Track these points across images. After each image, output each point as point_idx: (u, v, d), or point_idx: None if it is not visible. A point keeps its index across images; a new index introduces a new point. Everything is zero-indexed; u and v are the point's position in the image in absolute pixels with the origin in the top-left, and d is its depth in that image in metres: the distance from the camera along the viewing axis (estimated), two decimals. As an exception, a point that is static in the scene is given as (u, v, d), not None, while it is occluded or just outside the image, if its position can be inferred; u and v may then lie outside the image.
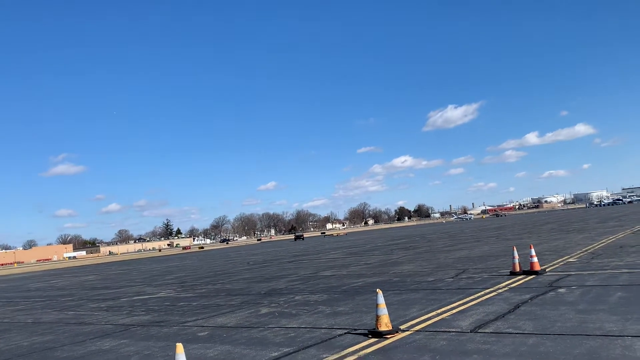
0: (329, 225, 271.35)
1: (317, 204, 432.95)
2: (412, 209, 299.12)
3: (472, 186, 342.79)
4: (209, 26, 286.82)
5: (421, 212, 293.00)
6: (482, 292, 11.46)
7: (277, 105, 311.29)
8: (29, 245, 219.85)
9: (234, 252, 70.10)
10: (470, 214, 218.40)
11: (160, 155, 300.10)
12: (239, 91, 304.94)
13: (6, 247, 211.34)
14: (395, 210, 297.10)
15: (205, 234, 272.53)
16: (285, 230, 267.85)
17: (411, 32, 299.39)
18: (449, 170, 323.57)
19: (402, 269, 19.20)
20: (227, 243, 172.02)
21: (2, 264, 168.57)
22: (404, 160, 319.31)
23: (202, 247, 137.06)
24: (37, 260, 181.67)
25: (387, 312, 8.49)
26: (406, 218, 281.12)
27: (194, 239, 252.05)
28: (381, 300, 8.51)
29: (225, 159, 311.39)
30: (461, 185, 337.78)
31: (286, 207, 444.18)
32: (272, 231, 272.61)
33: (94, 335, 11.34)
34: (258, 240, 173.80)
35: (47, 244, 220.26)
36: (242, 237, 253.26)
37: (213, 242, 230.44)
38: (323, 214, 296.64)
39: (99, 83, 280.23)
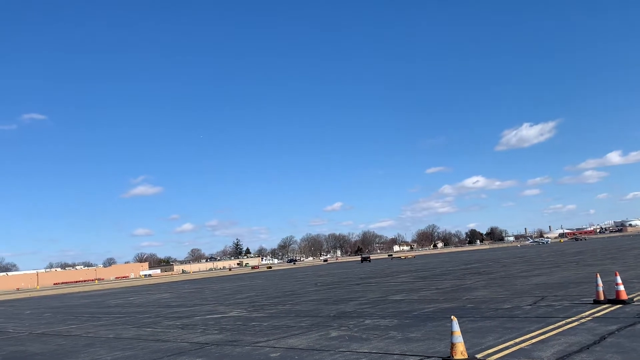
0: (395, 248, 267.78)
1: (383, 225, 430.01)
2: (484, 232, 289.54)
3: (548, 208, 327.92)
4: (276, 42, 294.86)
5: (494, 235, 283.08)
6: (564, 322, 10.87)
7: (343, 126, 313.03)
8: (109, 263, 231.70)
9: (301, 272, 70.53)
10: (547, 237, 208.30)
11: (231, 177, 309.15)
12: (305, 113, 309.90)
13: (88, 265, 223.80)
14: (466, 233, 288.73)
15: (273, 253, 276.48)
16: (351, 252, 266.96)
17: (484, 48, 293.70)
18: (524, 191, 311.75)
19: (476, 295, 18.57)
20: (294, 263, 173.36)
21: (85, 281, 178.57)
22: (475, 181, 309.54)
23: (270, 267, 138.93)
24: (116, 278, 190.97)
25: (462, 340, 8.24)
26: (478, 241, 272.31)
27: (262, 258, 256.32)
28: (456, 327, 8.28)
29: (292, 180, 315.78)
30: (537, 207, 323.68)
31: (352, 228, 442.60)
32: (338, 252, 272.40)
33: (171, 353, 11.73)
34: (324, 261, 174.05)
35: (125, 262, 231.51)
36: (309, 258, 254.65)
37: (280, 262, 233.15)
38: (390, 235, 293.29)
39: (173, 110, 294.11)
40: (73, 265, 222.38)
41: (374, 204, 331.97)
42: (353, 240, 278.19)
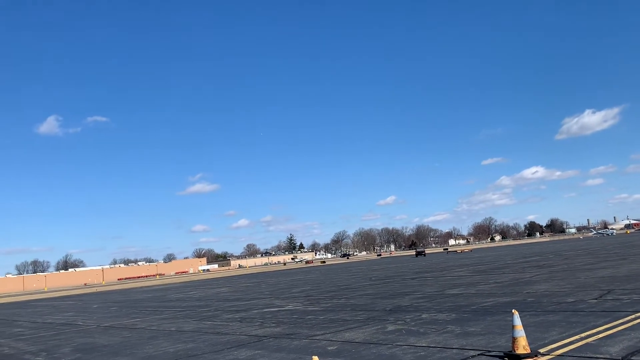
0: (451, 241, 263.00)
1: (438, 219, 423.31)
2: (544, 224, 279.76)
3: (613, 198, 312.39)
4: (339, 41, 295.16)
5: (554, 227, 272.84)
6: (633, 316, 10.36)
7: (397, 116, 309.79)
8: (169, 258, 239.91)
9: (355, 267, 70.56)
10: (612, 228, 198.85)
11: (285, 173, 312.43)
12: (356, 107, 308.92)
13: (149, 260, 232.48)
14: (525, 225, 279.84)
15: (326, 248, 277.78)
16: (405, 246, 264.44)
17: (540, 32, 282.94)
18: (586, 181, 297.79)
19: (537, 288, 17.99)
20: (348, 258, 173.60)
21: (147, 276, 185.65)
22: (534, 172, 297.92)
23: (324, 262, 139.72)
24: (176, 273, 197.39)
25: (524, 334, 8.01)
26: (537, 234, 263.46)
27: (315, 253, 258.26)
28: (518, 321, 8.06)
29: (345, 175, 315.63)
30: (600, 198, 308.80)
31: (406, 222, 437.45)
32: (392, 246, 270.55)
33: (231, 345, 12.02)
34: (378, 255, 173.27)
35: (184, 258, 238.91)
36: (362, 252, 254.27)
37: (334, 257, 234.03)
38: (445, 229, 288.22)
39: (228, 109, 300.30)
40: (135, 261, 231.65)
41: (429, 198, 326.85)
42: (407, 234, 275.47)
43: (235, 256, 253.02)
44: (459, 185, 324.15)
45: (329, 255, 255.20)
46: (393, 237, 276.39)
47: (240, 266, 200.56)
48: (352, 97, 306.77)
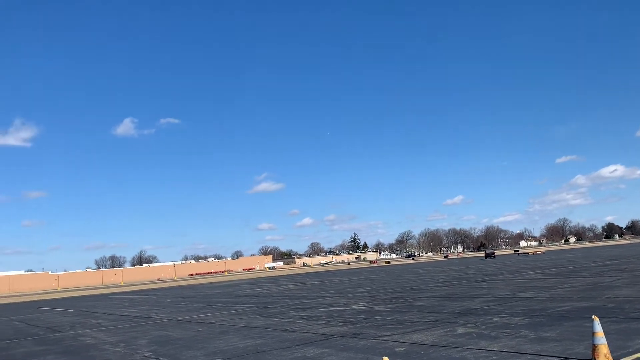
0: (522, 243, 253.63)
1: (508, 220, 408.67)
2: (623, 226, 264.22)
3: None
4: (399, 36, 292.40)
5: (635, 229, 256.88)
6: None
7: (465, 114, 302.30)
8: (237, 255, 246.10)
9: (421, 268, 69.51)
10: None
11: (349, 172, 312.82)
12: (423, 104, 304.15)
13: (218, 257, 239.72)
14: (603, 227, 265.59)
15: (391, 248, 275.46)
16: (473, 247, 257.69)
17: (618, 26, 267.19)
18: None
19: (618, 293, 17.00)
20: (413, 258, 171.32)
21: (216, 272, 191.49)
22: (613, 170, 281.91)
23: (389, 262, 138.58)
24: (243, 269, 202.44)
25: (606, 342, 7.59)
26: (617, 236, 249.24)
27: (380, 253, 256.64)
28: (598, 327, 7.65)
29: (410, 173, 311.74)
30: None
31: (474, 222, 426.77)
32: (459, 248, 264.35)
33: (298, 342, 12.16)
34: (445, 256, 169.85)
35: (251, 255, 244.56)
36: (428, 253, 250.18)
37: (398, 257, 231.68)
38: (515, 230, 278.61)
39: (293, 108, 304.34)
40: (205, 258, 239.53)
41: (498, 197, 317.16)
42: (475, 235, 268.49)
43: (300, 254, 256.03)
44: (531, 185, 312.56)
45: (394, 256, 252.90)
46: (460, 238, 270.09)
47: (304, 264, 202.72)
48: (418, 96, 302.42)
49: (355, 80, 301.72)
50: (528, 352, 8.87)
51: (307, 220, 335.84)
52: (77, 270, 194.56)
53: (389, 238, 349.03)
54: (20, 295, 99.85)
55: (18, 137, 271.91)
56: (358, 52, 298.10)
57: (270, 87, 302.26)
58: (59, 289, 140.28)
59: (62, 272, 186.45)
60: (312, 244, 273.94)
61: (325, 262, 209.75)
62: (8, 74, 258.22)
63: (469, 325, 12.55)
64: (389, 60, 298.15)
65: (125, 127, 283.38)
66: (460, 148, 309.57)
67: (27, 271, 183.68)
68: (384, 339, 11.64)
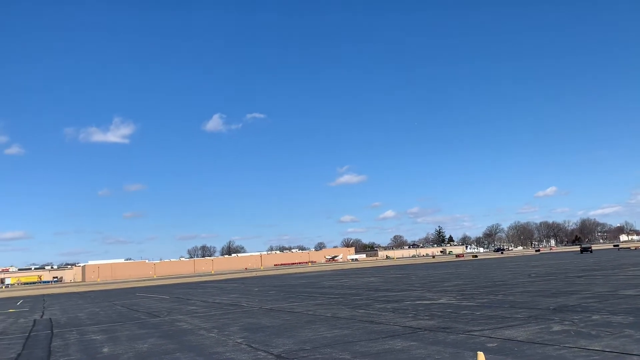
0: (622, 237, 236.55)
1: (606, 212, 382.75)
2: None
3: None
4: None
5: None
6: None
7: (558, 102, 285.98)
8: (319, 247, 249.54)
9: (511, 262, 66.78)
10: None
11: (432, 163, 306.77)
12: (510, 91, 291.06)
13: (302, 248, 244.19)
14: None
15: (478, 242, 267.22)
16: (567, 241, 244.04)
17: None
18: None
19: None
20: (502, 252, 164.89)
21: (300, 262, 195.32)
22: None
23: (476, 256, 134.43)
24: (326, 261, 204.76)
25: None
26: None
27: (466, 246, 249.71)
28: None
29: (499, 165, 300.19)
30: None
31: (568, 215, 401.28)
32: (552, 242, 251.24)
33: (385, 335, 12.13)
34: (536, 251, 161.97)
35: (334, 247, 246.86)
36: (518, 247, 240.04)
37: (486, 251, 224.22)
38: (615, 223, 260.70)
39: (375, 101, 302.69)
40: (289, 249, 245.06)
41: (595, 189, 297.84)
42: (569, 228, 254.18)
43: (382, 247, 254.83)
44: (633, 175, 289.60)
45: (481, 250, 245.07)
46: (553, 231, 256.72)
47: (387, 257, 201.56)
48: (505, 85, 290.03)
49: (436, 72, 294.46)
50: (634, 353, 8.28)
51: (389, 213, 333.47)
52: (172, 259, 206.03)
53: (476, 231, 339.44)
54: (121, 282, 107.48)
55: (118, 134, 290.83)
56: (444, 46, 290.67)
57: (352, 81, 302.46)
58: (155, 276, 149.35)
59: (158, 261, 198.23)
60: (395, 237, 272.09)
61: (412, 255, 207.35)
62: (108, 75, 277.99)
63: (566, 323, 11.92)
64: (479, 54, 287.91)
65: (214, 123, 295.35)
66: (552, 138, 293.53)
67: (127, 259, 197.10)
68: (474, 334, 11.33)
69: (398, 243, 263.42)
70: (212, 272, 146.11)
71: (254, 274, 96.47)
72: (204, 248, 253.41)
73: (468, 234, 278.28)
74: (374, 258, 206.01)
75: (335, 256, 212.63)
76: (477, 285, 27.19)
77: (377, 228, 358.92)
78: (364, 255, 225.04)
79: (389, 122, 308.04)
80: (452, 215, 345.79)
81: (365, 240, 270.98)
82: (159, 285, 69.24)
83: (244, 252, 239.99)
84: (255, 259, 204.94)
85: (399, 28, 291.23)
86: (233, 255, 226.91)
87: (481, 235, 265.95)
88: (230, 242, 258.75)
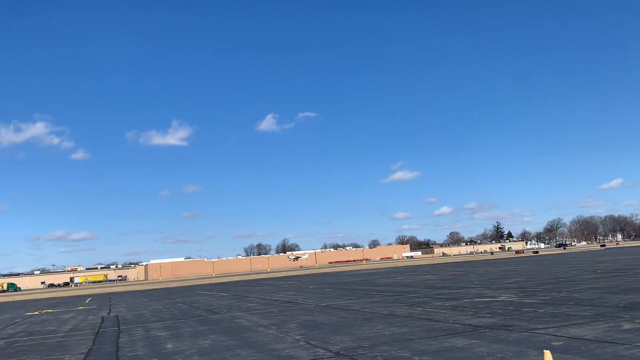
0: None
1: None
2: None
3: None
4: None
5: None
6: None
7: (621, 89, 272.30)
8: (373, 244, 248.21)
9: (574, 257, 64.16)
10: None
11: (489, 158, 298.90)
12: (569, 83, 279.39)
13: (356, 245, 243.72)
14: None
15: (538, 237, 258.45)
16: (635, 236, 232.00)
17: None
18: None
19: None
20: (564, 248, 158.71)
21: (354, 260, 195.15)
22: None
23: (537, 252, 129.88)
24: (380, 258, 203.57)
25: None
26: None
27: (526, 242, 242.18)
28: None
29: (559, 157, 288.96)
30: None
31: (636, 208, 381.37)
32: (619, 236, 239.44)
33: (445, 332, 11.94)
34: (602, 246, 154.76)
35: (388, 244, 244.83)
36: (581, 242, 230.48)
37: (547, 247, 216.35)
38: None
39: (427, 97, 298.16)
40: (343, 246, 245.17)
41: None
42: (637, 222, 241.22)
43: (438, 244, 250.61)
44: None
45: (542, 245, 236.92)
46: (620, 225, 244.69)
47: (443, 254, 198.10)
48: (567, 75, 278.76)
49: (493, 67, 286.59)
50: None
51: (445, 209, 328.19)
52: (229, 257, 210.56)
53: (536, 227, 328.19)
54: (181, 280, 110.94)
55: (176, 136, 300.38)
56: (498, 41, 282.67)
57: (406, 78, 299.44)
58: (213, 274, 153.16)
59: (216, 259, 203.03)
60: (451, 234, 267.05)
61: (469, 252, 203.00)
62: (166, 80, 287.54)
63: (638, 321, 11.34)
64: (548, 45, 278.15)
65: (268, 123, 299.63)
66: (617, 126, 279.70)
67: (187, 258, 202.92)
68: (538, 332, 10.97)
69: (454, 240, 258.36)
70: (268, 270, 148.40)
71: (308, 271, 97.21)
72: (259, 246, 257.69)
73: (528, 229, 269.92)
74: (430, 255, 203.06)
75: (299, 257, 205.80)
76: (538, 282, 26.30)
77: (433, 225, 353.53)
78: (419, 253, 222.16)
79: (445, 117, 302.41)
80: (510, 210, 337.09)
81: (421, 237, 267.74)
82: (217, 283, 70.95)
83: (298, 249, 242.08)
84: (310, 256, 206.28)
85: (455, 25, 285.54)
86: (288, 253, 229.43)
87: (542, 231, 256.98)
88: (284, 240, 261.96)
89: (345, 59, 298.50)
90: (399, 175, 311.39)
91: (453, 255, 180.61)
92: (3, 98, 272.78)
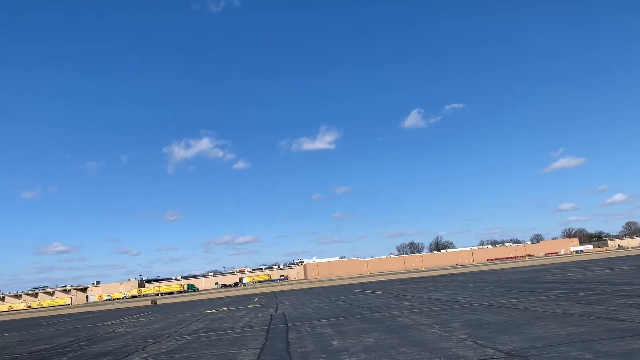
0: None
1: None
2: None
3: None
4: None
5: None
6: None
7: None
8: (536, 239, 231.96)
9: None
10: None
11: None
12: None
13: (516, 241, 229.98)
14: None
15: None
16: None
17: None
18: None
19: None
20: None
21: (515, 257, 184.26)
22: None
23: None
24: (545, 254, 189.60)
25: None
26: None
27: None
28: None
29: None
30: None
31: None
32: None
33: (632, 333, 10.73)
34: None
35: (552, 238, 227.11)
36: None
37: None
38: None
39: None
40: (502, 242, 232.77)
41: None
42: None
43: (612, 236, 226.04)
44: None
45: None
46: None
47: (619, 247, 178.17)
48: None
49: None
50: None
51: (618, 197, 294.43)
52: (382, 256, 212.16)
53: None
54: (338, 279, 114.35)
55: (324, 141, 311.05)
56: None
57: (564, 58, 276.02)
58: (367, 273, 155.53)
59: (369, 258, 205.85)
60: (628, 224, 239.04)
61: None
62: (311, 87, 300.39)
63: None
64: None
65: (413, 119, 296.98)
66: None
67: (341, 257, 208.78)
68: None
69: (632, 230, 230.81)
70: (423, 268, 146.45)
71: (466, 269, 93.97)
72: (412, 244, 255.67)
73: None
74: (603, 249, 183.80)
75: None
76: None
77: (605, 215, 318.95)
78: (590, 246, 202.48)
79: (605, 100, 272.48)
80: None
81: (590, 229, 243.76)
82: (372, 281, 71.85)
83: (452, 247, 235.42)
84: (466, 254, 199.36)
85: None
86: (442, 251, 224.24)
87: None
88: (437, 237, 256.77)
89: (490, 46, 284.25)
90: (562, 162, 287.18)
91: (631, 247, 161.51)
92: (175, 119, 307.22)
